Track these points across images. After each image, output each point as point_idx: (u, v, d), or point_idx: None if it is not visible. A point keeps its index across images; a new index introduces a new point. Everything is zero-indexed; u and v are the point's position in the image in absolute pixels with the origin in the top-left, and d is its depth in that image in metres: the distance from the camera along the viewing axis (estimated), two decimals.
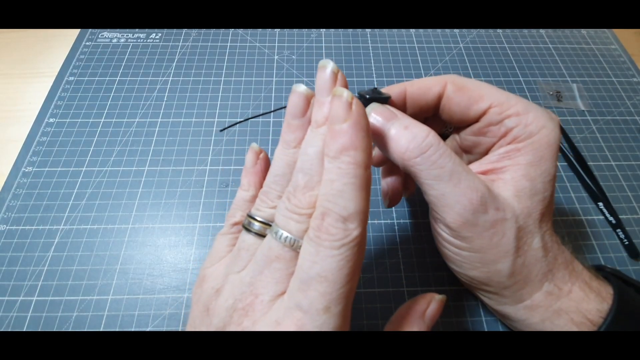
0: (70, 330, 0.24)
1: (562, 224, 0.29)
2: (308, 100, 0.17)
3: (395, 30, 0.42)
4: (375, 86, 0.20)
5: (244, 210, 0.19)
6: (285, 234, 0.15)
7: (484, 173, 0.19)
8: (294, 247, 0.15)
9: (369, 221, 0.29)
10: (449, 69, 0.39)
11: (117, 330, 0.24)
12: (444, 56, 0.40)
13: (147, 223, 0.28)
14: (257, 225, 0.17)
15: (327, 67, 0.16)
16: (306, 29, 0.42)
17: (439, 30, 0.43)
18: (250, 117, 0.19)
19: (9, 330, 0.24)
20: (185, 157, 0.32)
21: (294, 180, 0.16)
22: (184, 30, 0.41)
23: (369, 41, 0.41)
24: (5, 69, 0.38)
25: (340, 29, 0.42)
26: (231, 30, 0.41)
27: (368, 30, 0.42)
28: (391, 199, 0.25)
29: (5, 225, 0.28)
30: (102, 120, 0.34)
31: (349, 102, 0.15)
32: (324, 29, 0.42)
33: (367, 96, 0.19)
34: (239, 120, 0.19)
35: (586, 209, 0.30)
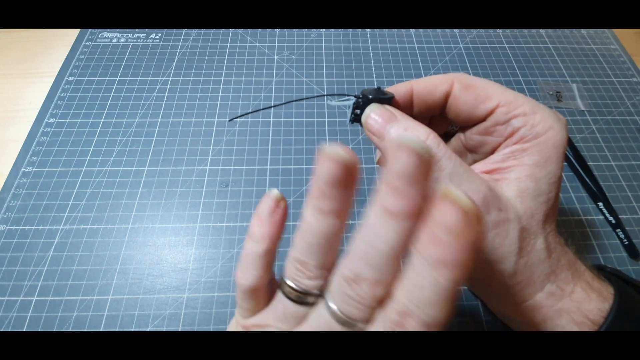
0: (70, 330, 0.24)
1: (562, 224, 0.29)
2: (349, 170, 0.13)
3: (395, 30, 0.42)
4: (379, 86, 0.20)
5: (257, 268, 0.16)
6: (342, 316, 0.14)
7: (489, 172, 0.19)
8: (349, 327, 0.14)
9: None
10: (449, 69, 0.39)
11: (117, 330, 0.24)
12: (444, 56, 0.40)
13: (147, 223, 0.28)
14: (311, 299, 0.15)
15: (410, 146, 0.12)
16: (306, 29, 0.42)
17: (439, 30, 0.43)
18: (261, 108, 0.19)
19: (9, 330, 0.24)
20: (185, 157, 0.32)
21: (356, 269, 0.13)
22: (184, 30, 0.41)
23: (369, 41, 0.41)
24: (5, 69, 0.38)
25: (340, 29, 0.42)
26: (231, 30, 0.41)
27: (368, 30, 0.42)
28: None
29: (5, 225, 0.28)
30: (102, 120, 0.34)
31: (470, 215, 0.11)
32: (324, 29, 0.42)
33: (370, 96, 0.19)
34: (249, 111, 0.19)
35: (586, 209, 0.30)
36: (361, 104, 0.20)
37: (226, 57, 0.39)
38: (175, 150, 0.32)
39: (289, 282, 0.15)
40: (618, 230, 0.28)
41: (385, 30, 0.42)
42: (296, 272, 0.15)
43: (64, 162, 0.31)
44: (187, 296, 0.25)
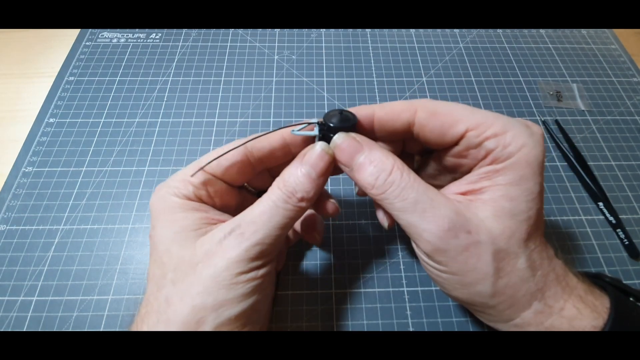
0: (70, 330, 0.24)
1: (562, 224, 0.29)
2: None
3: (395, 30, 0.42)
4: (341, 109, 0.20)
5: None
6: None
7: (463, 194, 0.19)
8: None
9: (370, 221, 0.29)
10: (449, 69, 0.39)
11: (117, 330, 0.24)
12: (444, 56, 0.40)
13: (148, 223, 0.28)
14: None
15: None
16: (306, 29, 0.42)
17: (439, 30, 0.43)
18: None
19: (9, 330, 0.24)
20: (185, 157, 0.32)
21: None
22: (184, 30, 0.41)
23: (369, 41, 0.41)
24: (5, 69, 0.38)
25: (340, 29, 0.42)
26: (231, 30, 0.41)
27: (368, 30, 0.42)
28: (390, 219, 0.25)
29: (5, 225, 0.28)
30: (102, 120, 0.34)
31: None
32: (324, 29, 0.42)
33: (332, 124, 0.19)
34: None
35: (586, 209, 0.30)
36: (326, 129, 0.20)
37: (226, 57, 0.39)
38: (176, 150, 0.32)
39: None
40: (618, 230, 0.28)
41: (385, 30, 0.42)
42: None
43: (64, 162, 0.31)
44: None
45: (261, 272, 0.18)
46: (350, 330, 0.25)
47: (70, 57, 0.38)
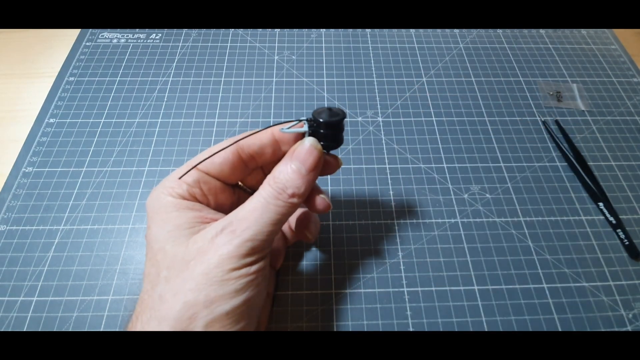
0: (70, 330, 0.24)
1: (562, 224, 0.29)
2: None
3: (395, 30, 0.42)
4: (329, 106, 0.21)
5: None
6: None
7: None
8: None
9: (370, 221, 0.29)
10: (449, 69, 0.39)
11: (117, 330, 0.24)
12: (444, 56, 0.40)
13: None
14: None
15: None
16: (306, 29, 0.42)
17: (439, 30, 0.43)
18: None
19: (9, 330, 0.24)
20: (185, 157, 0.32)
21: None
22: (184, 30, 0.41)
23: (369, 41, 0.41)
24: (6, 69, 0.38)
25: (340, 29, 0.42)
26: (231, 30, 0.41)
27: (368, 30, 0.42)
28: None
29: (5, 226, 0.28)
30: (102, 120, 0.34)
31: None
32: (324, 29, 0.42)
33: (321, 120, 0.20)
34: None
35: (586, 209, 0.30)
36: (315, 125, 0.20)
37: (226, 58, 0.39)
38: (176, 151, 0.32)
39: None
40: (618, 230, 0.28)
41: (385, 30, 0.42)
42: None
43: (64, 162, 0.31)
44: None
45: (253, 268, 0.18)
46: (350, 330, 0.25)
47: (71, 57, 0.38)
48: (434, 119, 0.35)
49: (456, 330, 0.25)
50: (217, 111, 0.35)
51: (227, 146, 0.20)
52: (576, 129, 0.35)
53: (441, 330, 0.25)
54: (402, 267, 0.27)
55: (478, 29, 0.43)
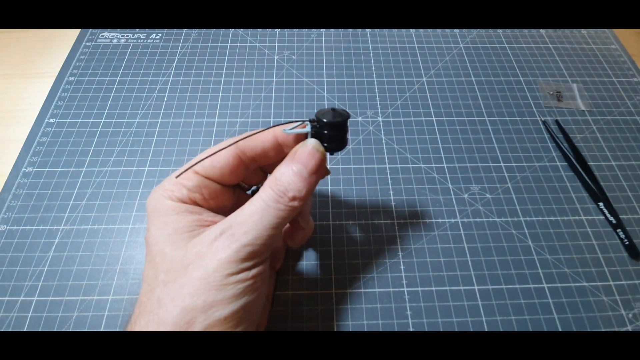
0: (70, 330, 0.24)
1: (562, 224, 0.29)
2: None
3: (395, 30, 0.42)
4: (333, 107, 0.20)
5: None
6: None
7: None
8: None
9: (370, 221, 0.29)
10: (449, 69, 0.39)
11: (117, 330, 0.24)
12: (444, 56, 0.40)
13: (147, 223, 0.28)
14: None
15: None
16: (306, 29, 0.42)
17: (439, 30, 0.43)
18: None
19: (10, 330, 0.24)
20: (185, 157, 0.32)
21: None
22: (184, 30, 0.41)
23: (369, 41, 0.41)
24: (6, 69, 0.38)
25: (340, 29, 0.42)
26: (231, 30, 0.41)
27: (368, 30, 0.42)
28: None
29: (5, 226, 0.28)
30: (102, 120, 0.34)
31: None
32: (324, 29, 0.42)
33: (324, 120, 0.19)
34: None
35: (586, 209, 0.30)
36: (319, 127, 0.20)
37: (226, 57, 0.39)
38: (176, 151, 0.32)
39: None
40: (619, 230, 0.28)
41: (385, 30, 0.42)
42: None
43: (64, 162, 0.31)
44: None
45: (252, 272, 0.18)
46: (350, 330, 0.25)
47: (71, 57, 0.38)
48: (434, 119, 0.35)
49: (456, 330, 0.25)
50: (217, 111, 0.35)
51: (226, 147, 0.20)
52: (576, 129, 0.35)
53: (441, 330, 0.25)
54: (402, 267, 0.27)
55: (478, 29, 0.43)
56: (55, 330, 0.24)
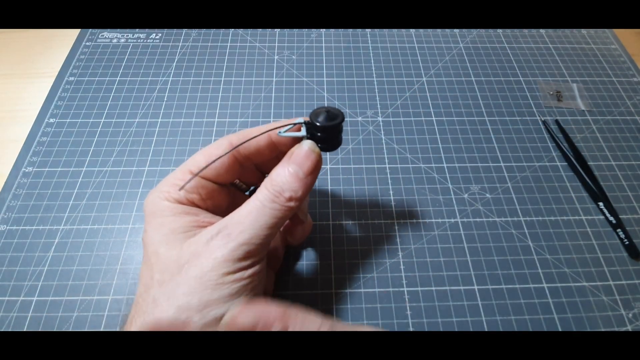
0: (70, 330, 0.24)
1: (562, 224, 0.29)
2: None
3: (395, 30, 0.42)
4: (328, 107, 0.21)
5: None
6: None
7: None
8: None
9: (370, 221, 0.29)
10: (449, 69, 0.39)
11: (117, 330, 0.24)
12: (444, 56, 0.40)
13: None
14: None
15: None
16: (306, 29, 0.42)
17: (439, 30, 0.43)
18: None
19: (10, 330, 0.24)
20: (185, 157, 0.32)
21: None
22: (184, 30, 0.41)
23: (369, 41, 0.41)
24: (6, 69, 0.38)
25: (340, 29, 0.42)
26: (231, 30, 0.41)
27: (368, 30, 0.42)
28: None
29: (5, 226, 0.28)
30: (102, 120, 0.34)
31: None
32: (324, 29, 0.42)
33: (318, 123, 0.20)
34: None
35: (586, 209, 0.30)
36: (312, 129, 0.20)
37: (226, 57, 0.39)
38: (176, 150, 0.32)
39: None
40: (618, 230, 0.28)
41: (385, 30, 0.42)
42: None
43: (64, 162, 0.31)
44: None
45: (249, 272, 0.18)
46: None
47: (70, 57, 0.38)
48: (434, 118, 0.35)
49: (456, 330, 0.25)
50: (217, 111, 0.35)
51: (225, 153, 0.20)
52: (576, 129, 0.35)
53: (441, 330, 0.25)
54: (402, 267, 0.27)
55: (478, 29, 0.43)
56: (55, 330, 0.24)
